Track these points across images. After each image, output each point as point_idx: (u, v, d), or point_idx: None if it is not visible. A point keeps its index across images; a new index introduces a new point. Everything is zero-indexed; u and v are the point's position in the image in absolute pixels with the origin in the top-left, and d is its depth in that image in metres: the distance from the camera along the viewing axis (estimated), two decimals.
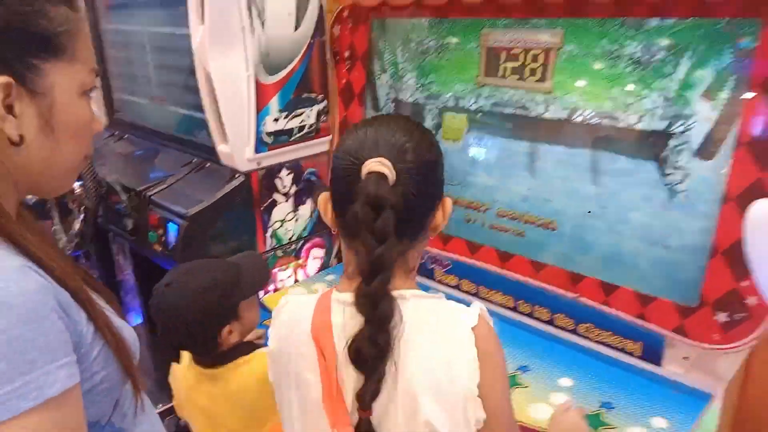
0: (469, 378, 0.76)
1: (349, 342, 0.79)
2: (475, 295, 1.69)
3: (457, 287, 1.74)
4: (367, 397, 0.78)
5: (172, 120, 2.05)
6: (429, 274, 1.79)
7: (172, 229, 1.66)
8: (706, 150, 1.19)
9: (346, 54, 1.83)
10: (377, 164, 0.77)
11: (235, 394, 1.16)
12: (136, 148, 2.18)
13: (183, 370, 1.22)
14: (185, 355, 1.24)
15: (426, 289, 0.94)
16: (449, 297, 1.73)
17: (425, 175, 0.82)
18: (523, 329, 1.57)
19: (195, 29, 1.56)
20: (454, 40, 1.57)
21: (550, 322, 1.54)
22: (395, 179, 0.78)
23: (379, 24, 1.75)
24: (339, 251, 2.06)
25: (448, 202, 0.89)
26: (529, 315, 1.58)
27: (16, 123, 0.64)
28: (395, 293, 0.79)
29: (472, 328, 0.79)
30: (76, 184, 1.89)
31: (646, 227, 1.29)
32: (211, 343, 1.15)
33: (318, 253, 2.01)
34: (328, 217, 0.87)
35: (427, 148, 0.84)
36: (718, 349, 1.22)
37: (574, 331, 1.50)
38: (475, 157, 1.60)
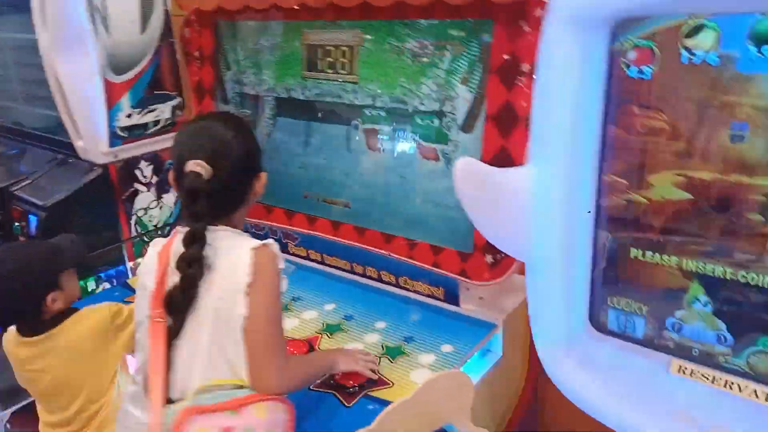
0: (242, 279, 1.04)
1: (166, 293, 1.06)
2: (321, 262, 1.93)
3: (307, 257, 1.97)
4: (172, 335, 1.06)
5: (38, 120, 2.17)
6: (284, 249, 2.01)
7: (33, 221, 1.80)
8: (467, 125, 1.47)
9: (196, 54, 2.02)
10: (194, 165, 1.06)
11: (69, 351, 1.33)
12: (5, 149, 2.28)
13: (11, 345, 1.38)
14: (10, 331, 1.39)
15: None
16: (302, 267, 1.97)
17: (237, 166, 1.12)
18: (358, 287, 1.82)
19: (40, 34, 1.71)
20: (281, 40, 1.80)
21: (378, 279, 1.80)
22: (211, 173, 1.06)
23: (222, 26, 1.95)
24: None
25: (263, 176, 1.19)
26: (362, 274, 1.83)
27: None
28: (214, 228, 1.10)
29: (253, 248, 1.07)
30: None
31: (432, 191, 1.56)
32: (36, 311, 1.32)
33: None
34: (176, 191, 1.16)
35: (238, 145, 1.12)
36: (488, 284, 1.52)
37: (396, 284, 1.77)
38: (307, 141, 1.83)
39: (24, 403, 1.75)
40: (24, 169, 2.06)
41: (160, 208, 2.09)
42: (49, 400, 1.41)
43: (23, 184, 1.94)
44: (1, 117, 2.38)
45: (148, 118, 1.96)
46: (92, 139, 1.84)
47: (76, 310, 1.41)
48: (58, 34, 1.70)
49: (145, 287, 1.13)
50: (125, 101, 1.88)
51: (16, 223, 1.89)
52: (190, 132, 1.15)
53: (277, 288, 1.11)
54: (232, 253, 1.09)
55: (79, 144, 1.86)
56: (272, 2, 1.70)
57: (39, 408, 1.43)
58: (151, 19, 1.88)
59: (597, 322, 1.30)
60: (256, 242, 1.10)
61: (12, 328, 1.38)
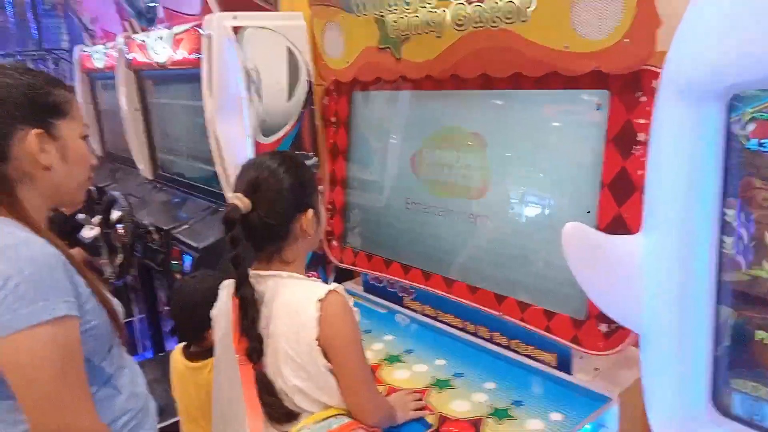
0: (310, 335, 1.10)
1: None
2: (435, 318, 1.99)
3: (422, 312, 2.04)
4: (253, 355, 1.13)
5: (198, 174, 2.51)
6: (399, 301, 2.10)
7: (188, 260, 2.08)
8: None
9: (333, 119, 2.24)
10: (233, 198, 1.15)
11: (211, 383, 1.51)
12: (171, 197, 2.66)
13: (177, 356, 1.59)
14: (180, 345, 1.60)
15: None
16: (416, 321, 2.04)
17: (275, 200, 1.17)
18: (470, 346, 1.84)
19: (206, 101, 2.02)
20: (406, 108, 1.94)
21: (490, 340, 1.82)
22: (249, 206, 1.14)
23: (356, 95, 2.16)
24: (335, 280, 2.40)
25: (309, 213, 1.22)
26: (475, 334, 1.85)
27: (46, 156, 1.05)
28: (272, 273, 1.17)
29: (319, 300, 1.12)
30: (119, 225, 2.35)
31: (546, 255, 1.57)
32: (200, 338, 1.51)
33: None
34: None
35: (280, 179, 1.19)
36: (601, 354, 1.48)
37: (507, 347, 1.77)
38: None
39: (167, 423, 1.96)
40: (183, 215, 2.39)
41: None
42: (191, 419, 1.59)
43: (182, 227, 2.25)
44: (170, 170, 2.79)
45: None
46: None
47: None
48: (221, 102, 2.00)
49: (222, 329, 1.23)
50: None
51: (174, 261, 2.19)
52: (242, 168, 1.22)
53: (354, 330, 1.16)
54: (296, 305, 1.14)
55: (230, 195, 2.13)
56: (400, 74, 1.86)
57: (181, 421, 1.61)
58: (296, 89, 2.13)
59: (720, 404, 1.21)
60: (322, 291, 1.13)
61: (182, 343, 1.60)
